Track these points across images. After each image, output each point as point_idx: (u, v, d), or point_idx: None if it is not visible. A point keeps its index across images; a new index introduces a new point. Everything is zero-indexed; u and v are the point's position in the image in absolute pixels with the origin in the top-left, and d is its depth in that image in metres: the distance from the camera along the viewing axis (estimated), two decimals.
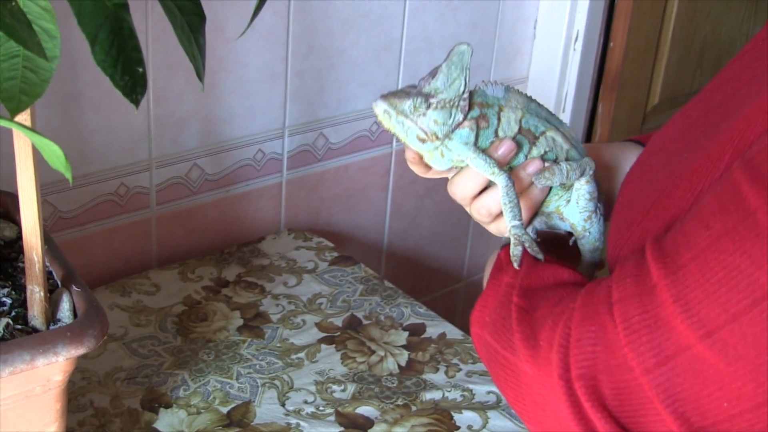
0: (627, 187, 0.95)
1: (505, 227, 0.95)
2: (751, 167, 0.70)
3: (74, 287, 1.01)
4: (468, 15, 1.94)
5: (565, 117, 2.16)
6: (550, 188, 0.98)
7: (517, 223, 0.92)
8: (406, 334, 1.50)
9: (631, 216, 0.88)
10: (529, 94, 0.96)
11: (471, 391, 1.37)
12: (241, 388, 1.34)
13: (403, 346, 1.46)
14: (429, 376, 1.40)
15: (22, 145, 0.90)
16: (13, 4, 0.75)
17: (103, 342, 1.37)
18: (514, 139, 0.93)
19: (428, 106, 0.88)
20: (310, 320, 1.51)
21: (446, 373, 1.41)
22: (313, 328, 1.49)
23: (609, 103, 2.24)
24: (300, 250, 1.72)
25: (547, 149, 0.96)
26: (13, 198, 1.08)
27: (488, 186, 0.96)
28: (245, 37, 1.55)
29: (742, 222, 0.68)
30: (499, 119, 0.92)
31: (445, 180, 0.98)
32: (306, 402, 1.32)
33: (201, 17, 0.85)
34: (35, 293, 0.98)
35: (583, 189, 0.97)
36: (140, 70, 0.79)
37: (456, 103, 0.89)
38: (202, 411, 1.29)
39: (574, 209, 0.98)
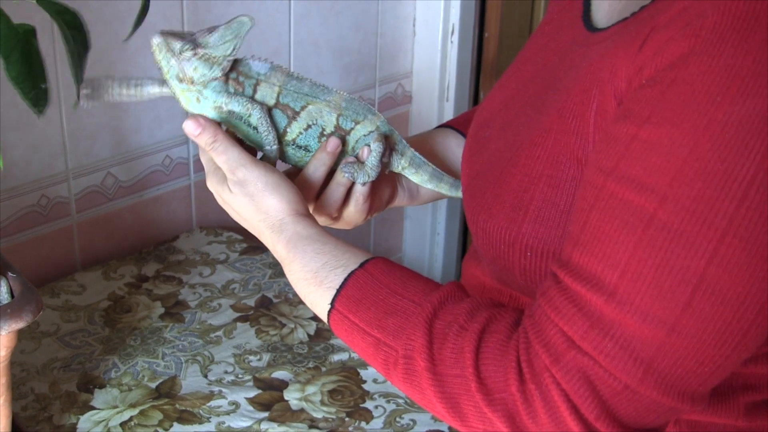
0: (470, 161, 1.06)
1: (349, 215, 1.12)
2: (624, 177, 0.77)
3: (10, 273, 1.15)
4: (350, 18, 2.11)
5: (449, 106, 2.33)
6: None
7: (272, 147, 1.06)
8: None
9: (482, 185, 0.99)
10: (293, 71, 1.08)
11: None
12: (166, 366, 1.49)
13: (312, 318, 1.62)
14: (336, 341, 1.56)
15: None
16: None
17: (38, 338, 1.52)
18: (270, 112, 1.06)
19: (194, 54, 1.01)
20: (226, 303, 1.66)
21: None
22: (229, 309, 1.64)
23: (489, 90, 2.38)
24: (212, 245, 1.87)
25: (311, 122, 1.08)
26: None
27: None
28: (146, 50, 1.70)
29: (650, 226, 0.75)
30: (255, 91, 1.06)
31: None
32: (226, 372, 1.48)
33: (86, 48, 1.00)
34: None
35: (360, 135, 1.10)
36: (43, 86, 0.95)
37: (220, 62, 1.02)
38: (133, 388, 1.44)
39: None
